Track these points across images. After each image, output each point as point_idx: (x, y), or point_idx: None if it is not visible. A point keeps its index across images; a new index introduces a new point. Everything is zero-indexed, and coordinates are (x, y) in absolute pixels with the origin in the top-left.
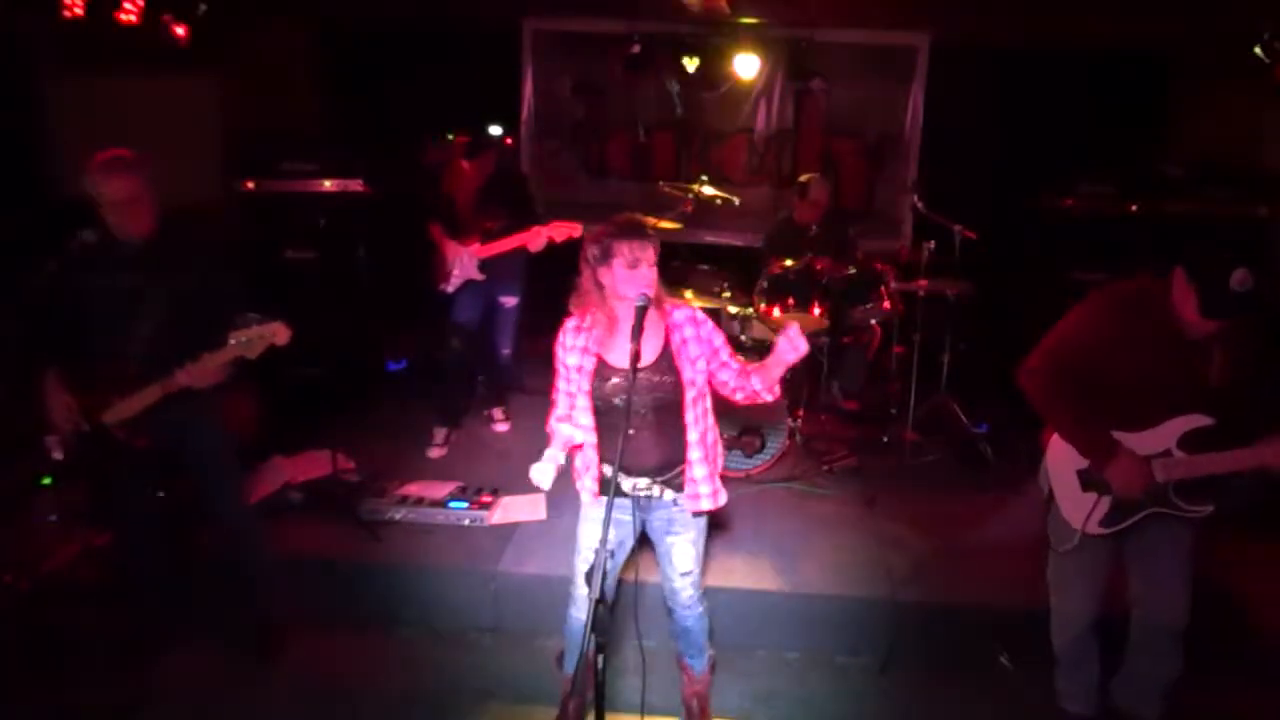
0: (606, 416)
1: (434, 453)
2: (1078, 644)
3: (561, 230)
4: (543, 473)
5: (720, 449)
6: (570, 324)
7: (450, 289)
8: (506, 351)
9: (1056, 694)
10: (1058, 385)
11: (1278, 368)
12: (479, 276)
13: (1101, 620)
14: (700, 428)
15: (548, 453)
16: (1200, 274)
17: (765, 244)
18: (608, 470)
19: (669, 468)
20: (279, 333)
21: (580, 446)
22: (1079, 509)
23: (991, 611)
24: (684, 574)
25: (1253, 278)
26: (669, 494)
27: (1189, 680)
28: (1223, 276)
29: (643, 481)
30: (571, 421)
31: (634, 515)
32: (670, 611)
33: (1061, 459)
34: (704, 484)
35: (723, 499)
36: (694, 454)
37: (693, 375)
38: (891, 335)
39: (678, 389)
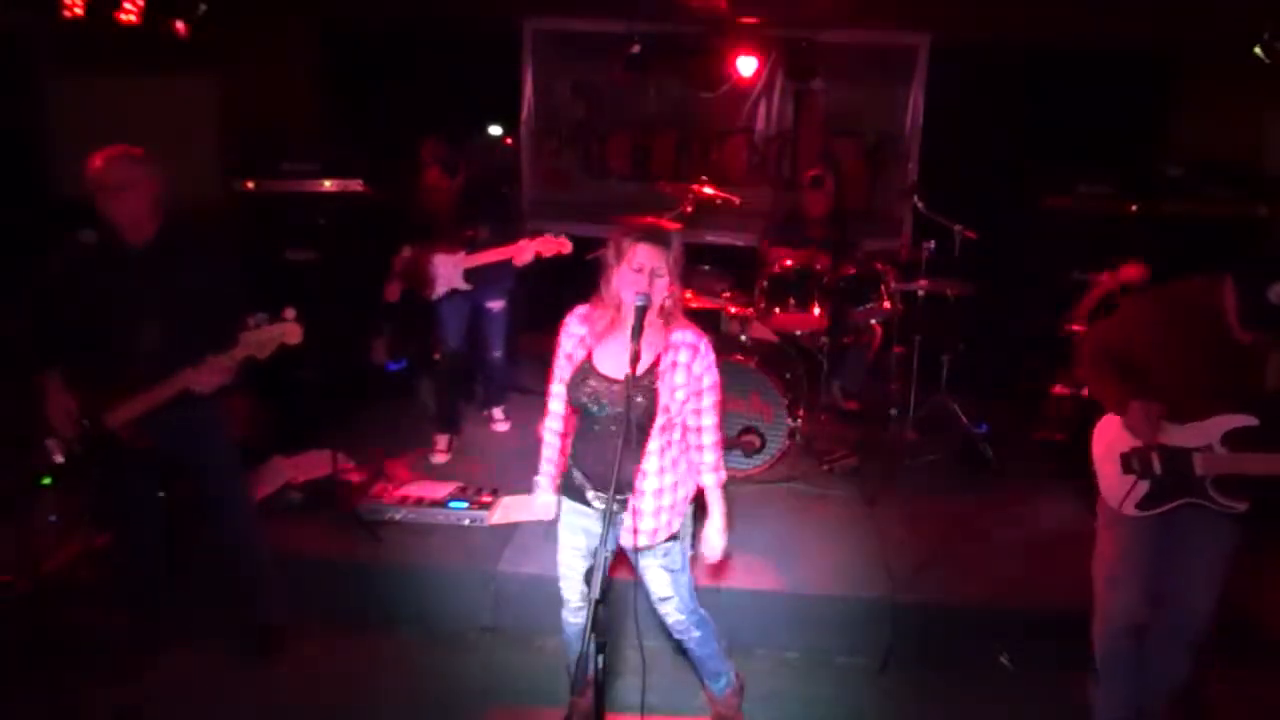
0: (579, 417)
1: (437, 458)
2: (1119, 649)
3: (550, 246)
4: (544, 503)
5: (683, 491)
6: (580, 310)
7: (435, 297)
8: (498, 353)
9: (1091, 711)
10: (1098, 353)
11: None
12: (465, 286)
13: (1142, 628)
14: (660, 460)
15: (542, 470)
16: (1242, 281)
17: (766, 234)
18: (576, 475)
19: (627, 487)
20: (290, 332)
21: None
22: (1118, 490)
23: (991, 611)
24: (662, 599)
25: None
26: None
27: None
28: (1261, 287)
29: (604, 495)
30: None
31: (604, 526)
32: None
33: (1106, 443)
34: (645, 519)
35: (662, 536)
36: (643, 483)
37: (668, 402)
38: (891, 335)
39: (650, 410)
